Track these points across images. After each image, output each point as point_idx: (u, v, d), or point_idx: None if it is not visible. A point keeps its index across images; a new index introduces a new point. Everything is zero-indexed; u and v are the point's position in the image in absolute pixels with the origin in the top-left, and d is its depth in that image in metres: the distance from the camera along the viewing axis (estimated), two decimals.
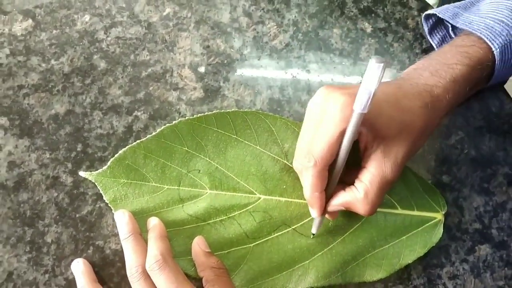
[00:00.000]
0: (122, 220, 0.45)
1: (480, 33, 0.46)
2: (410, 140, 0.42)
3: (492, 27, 0.46)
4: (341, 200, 0.43)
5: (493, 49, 0.45)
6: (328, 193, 0.44)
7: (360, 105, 0.37)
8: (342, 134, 0.39)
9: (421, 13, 0.54)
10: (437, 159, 0.50)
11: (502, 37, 0.45)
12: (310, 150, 0.41)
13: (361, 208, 0.42)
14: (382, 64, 0.35)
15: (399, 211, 0.48)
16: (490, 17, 0.47)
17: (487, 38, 0.45)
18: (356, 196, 0.42)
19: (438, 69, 0.45)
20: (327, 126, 0.40)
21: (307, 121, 0.43)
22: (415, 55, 0.53)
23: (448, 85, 0.44)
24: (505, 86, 0.53)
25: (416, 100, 0.42)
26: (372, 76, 0.35)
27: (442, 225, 0.47)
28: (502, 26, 0.46)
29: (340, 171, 0.42)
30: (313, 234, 0.47)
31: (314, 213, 0.44)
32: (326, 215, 0.46)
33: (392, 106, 0.41)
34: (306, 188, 0.43)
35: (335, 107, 0.39)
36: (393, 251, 0.47)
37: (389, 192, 0.48)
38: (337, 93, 0.40)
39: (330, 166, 0.42)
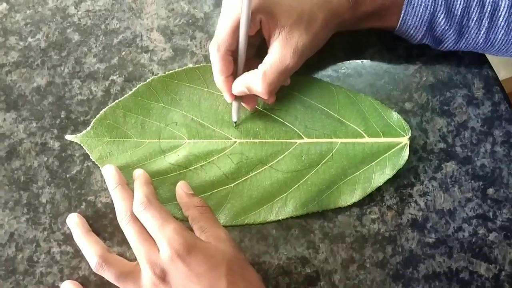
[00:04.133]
0: (109, 173, 0.48)
1: None
2: (311, 30, 0.45)
3: None
4: (242, 79, 0.47)
5: None
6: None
7: None
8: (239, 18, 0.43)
9: None
10: (399, 89, 0.53)
11: None
12: (215, 37, 0.46)
13: (259, 86, 0.46)
14: None
15: (367, 139, 0.51)
16: None
17: None
18: (256, 75, 0.46)
19: None
20: (227, 13, 0.44)
21: (220, 16, 0.47)
22: None
23: None
24: None
25: None
26: None
27: (408, 148, 0.50)
28: None
29: (244, 55, 0.46)
30: (235, 122, 0.51)
31: (226, 96, 0.49)
32: (244, 104, 0.50)
33: None
34: (214, 73, 0.48)
35: None
36: (364, 177, 0.50)
37: (355, 123, 0.51)
38: None
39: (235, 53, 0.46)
